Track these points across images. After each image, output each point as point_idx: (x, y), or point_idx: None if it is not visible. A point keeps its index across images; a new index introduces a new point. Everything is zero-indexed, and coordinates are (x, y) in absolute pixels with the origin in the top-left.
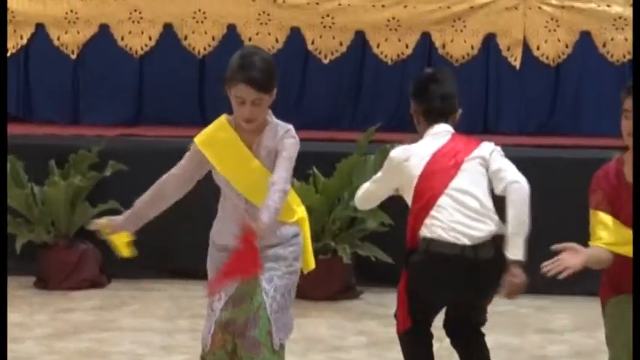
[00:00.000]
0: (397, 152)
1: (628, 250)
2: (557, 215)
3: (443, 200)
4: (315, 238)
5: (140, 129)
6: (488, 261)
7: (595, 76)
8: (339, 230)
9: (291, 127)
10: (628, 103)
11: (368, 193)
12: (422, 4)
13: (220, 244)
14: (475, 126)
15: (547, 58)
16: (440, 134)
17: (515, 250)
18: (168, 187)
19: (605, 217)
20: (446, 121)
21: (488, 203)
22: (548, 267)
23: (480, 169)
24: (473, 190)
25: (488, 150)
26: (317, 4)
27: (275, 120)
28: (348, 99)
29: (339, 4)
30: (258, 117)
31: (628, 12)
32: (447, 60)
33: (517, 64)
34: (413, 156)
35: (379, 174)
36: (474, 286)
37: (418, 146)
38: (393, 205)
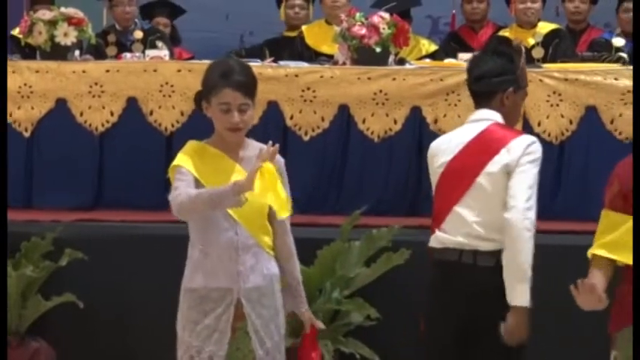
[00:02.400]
0: (433, 145)
1: (629, 258)
2: (565, 306)
3: (457, 209)
4: (294, 333)
5: (100, 213)
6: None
7: (602, 155)
8: None
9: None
10: None
11: None
12: (412, 76)
13: (213, 287)
14: None
15: (549, 135)
16: (478, 122)
17: (510, 295)
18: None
19: (617, 218)
20: (487, 105)
21: (498, 215)
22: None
23: (501, 178)
24: (489, 200)
25: (518, 154)
26: (296, 76)
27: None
28: (331, 179)
29: (321, 77)
30: (246, 125)
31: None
32: (440, 136)
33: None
34: (441, 151)
35: None
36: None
37: (452, 136)
38: (379, 296)
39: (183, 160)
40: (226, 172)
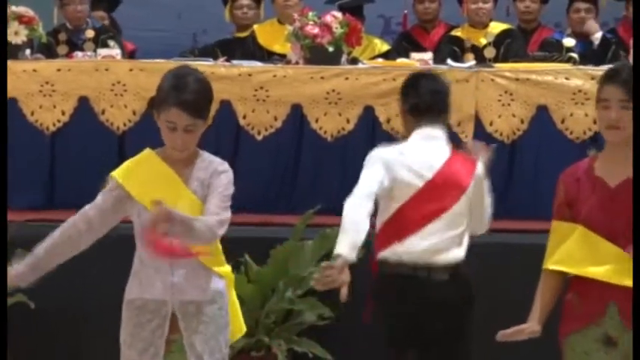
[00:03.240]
0: (386, 156)
1: (593, 272)
2: (513, 305)
3: (434, 224)
4: (247, 333)
5: (51, 213)
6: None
7: (553, 154)
8: (273, 324)
9: (226, 163)
10: (607, 92)
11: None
12: (364, 75)
13: (149, 299)
14: None
15: (501, 134)
16: (436, 140)
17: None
18: (79, 230)
19: (567, 228)
20: (437, 121)
21: (461, 232)
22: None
23: (469, 200)
24: (463, 218)
25: (479, 177)
26: (249, 75)
27: (206, 153)
28: (284, 179)
29: (274, 76)
30: (190, 145)
31: (588, 85)
32: (392, 135)
33: (468, 140)
34: (406, 165)
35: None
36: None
37: (411, 151)
38: (333, 296)
39: (122, 170)
40: (169, 191)
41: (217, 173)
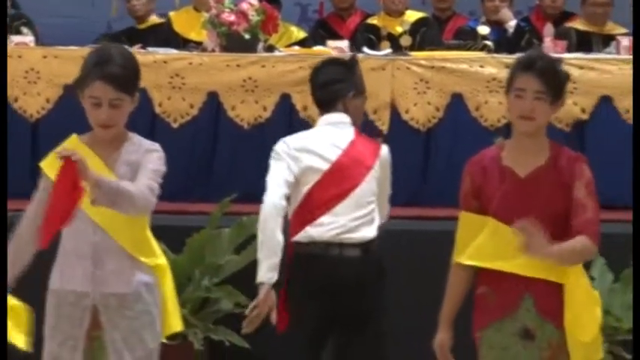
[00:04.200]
0: (291, 141)
1: (506, 266)
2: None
3: (342, 204)
4: None
5: None
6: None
7: (468, 142)
8: (189, 313)
9: (158, 145)
10: (523, 81)
11: None
12: (281, 63)
13: (69, 290)
14: None
15: (417, 122)
16: (340, 125)
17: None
18: (25, 235)
19: (475, 220)
20: (338, 108)
21: (369, 212)
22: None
23: (374, 182)
24: (371, 197)
25: (383, 159)
26: (165, 62)
27: (137, 136)
28: (200, 167)
29: (190, 63)
30: (117, 122)
31: (502, 74)
32: (309, 123)
33: (384, 128)
34: (311, 150)
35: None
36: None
37: (316, 136)
38: (249, 284)
39: (48, 160)
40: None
41: (148, 152)
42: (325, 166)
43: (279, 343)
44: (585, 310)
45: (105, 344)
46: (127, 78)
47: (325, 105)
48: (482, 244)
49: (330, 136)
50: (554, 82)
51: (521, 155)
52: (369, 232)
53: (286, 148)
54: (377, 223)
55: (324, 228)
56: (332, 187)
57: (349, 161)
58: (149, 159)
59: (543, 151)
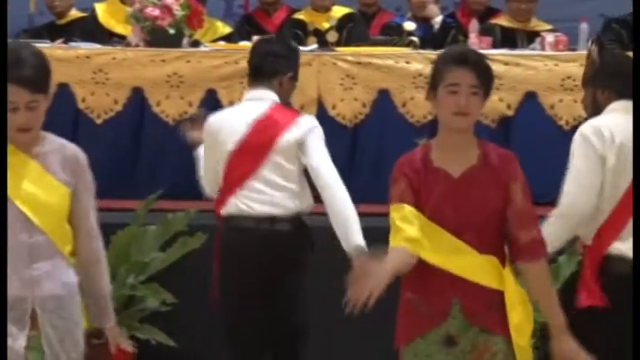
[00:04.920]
0: (211, 121)
1: (439, 260)
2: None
3: (252, 182)
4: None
5: None
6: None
7: (395, 138)
8: (114, 311)
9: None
10: (457, 76)
11: None
12: (207, 58)
13: (9, 295)
14: None
15: (343, 118)
16: (259, 101)
17: (352, 238)
18: None
19: (412, 212)
20: (267, 85)
21: (295, 184)
22: (349, 302)
23: (294, 151)
24: (283, 172)
25: (304, 131)
26: (88, 57)
27: (51, 135)
28: (125, 163)
29: (114, 58)
30: (35, 123)
31: (428, 70)
32: None
33: None
34: (224, 128)
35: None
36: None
37: (232, 113)
38: (175, 281)
39: None
40: (17, 168)
41: (83, 168)
42: (233, 144)
43: (205, 341)
44: (520, 313)
45: (41, 346)
46: (41, 79)
47: (260, 76)
48: (420, 237)
49: (246, 113)
50: (487, 77)
51: (451, 154)
52: (297, 204)
53: (208, 129)
54: (308, 197)
55: (239, 202)
56: (242, 163)
57: (257, 138)
58: (89, 179)
59: (473, 149)
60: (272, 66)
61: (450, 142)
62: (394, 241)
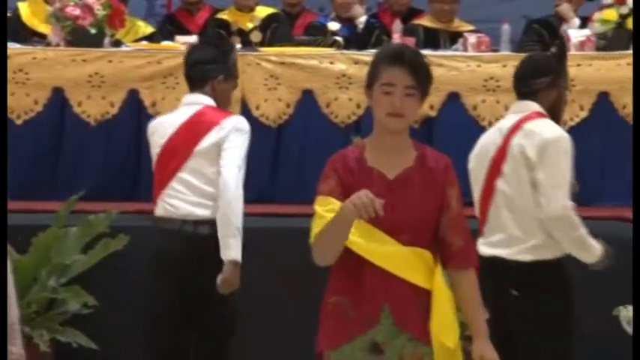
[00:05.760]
0: (149, 125)
1: (364, 250)
2: (281, 288)
3: (174, 184)
4: None
5: None
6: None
7: (318, 138)
8: (35, 314)
9: None
10: (392, 76)
11: None
12: (129, 58)
13: None
14: None
15: (267, 118)
16: (193, 105)
17: (225, 251)
18: None
19: (339, 207)
20: (200, 90)
21: (217, 188)
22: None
23: (215, 154)
24: (203, 175)
25: (223, 134)
26: (7, 57)
27: None
28: (46, 164)
29: (34, 58)
30: None
31: (352, 70)
32: None
33: None
34: (156, 132)
35: None
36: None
37: (166, 118)
38: (97, 283)
39: None
40: None
41: None
42: (160, 146)
43: (128, 344)
44: (449, 314)
45: None
46: None
47: (192, 84)
48: (352, 233)
49: (177, 116)
50: (424, 77)
51: (386, 155)
52: (204, 209)
53: (149, 130)
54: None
55: (170, 205)
56: (167, 164)
57: (180, 140)
58: None
59: (409, 151)
60: (201, 74)
61: (385, 143)
62: (317, 227)
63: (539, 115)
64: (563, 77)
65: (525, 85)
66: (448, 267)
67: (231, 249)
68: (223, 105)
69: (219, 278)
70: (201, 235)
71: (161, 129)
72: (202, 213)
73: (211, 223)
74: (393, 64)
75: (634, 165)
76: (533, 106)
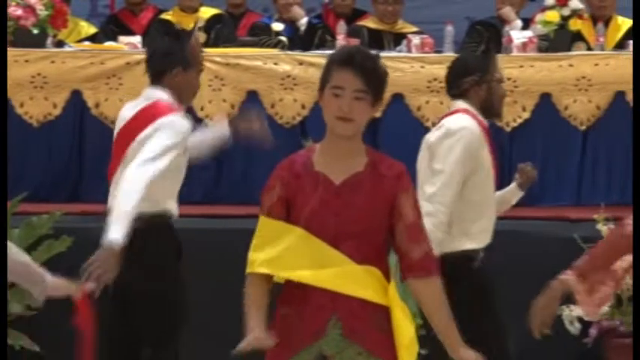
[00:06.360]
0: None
1: (309, 277)
2: (227, 290)
3: (116, 179)
4: None
5: None
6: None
7: None
8: None
9: None
10: (341, 79)
11: None
12: (71, 59)
13: None
14: None
15: (212, 119)
16: (145, 100)
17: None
18: None
19: (278, 227)
20: (159, 83)
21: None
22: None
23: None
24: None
25: (151, 130)
26: None
27: None
28: None
29: None
30: None
31: (296, 71)
32: (102, 120)
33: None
34: (117, 121)
35: None
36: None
37: (125, 109)
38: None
39: None
40: None
41: None
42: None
43: (70, 345)
44: (409, 330)
45: None
46: None
47: (150, 78)
48: (285, 253)
49: (130, 110)
50: (375, 80)
51: (335, 160)
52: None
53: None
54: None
55: (110, 197)
56: (115, 159)
57: (123, 134)
58: None
59: (360, 156)
60: (157, 67)
61: (335, 147)
62: (251, 266)
63: (463, 111)
64: (491, 72)
65: (454, 86)
66: (408, 277)
67: (112, 231)
68: (186, 97)
69: (91, 259)
70: (134, 233)
71: (118, 120)
72: (156, 207)
73: (145, 221)
74: (344, 66)
75: (634, 165)
76: (460, 104)
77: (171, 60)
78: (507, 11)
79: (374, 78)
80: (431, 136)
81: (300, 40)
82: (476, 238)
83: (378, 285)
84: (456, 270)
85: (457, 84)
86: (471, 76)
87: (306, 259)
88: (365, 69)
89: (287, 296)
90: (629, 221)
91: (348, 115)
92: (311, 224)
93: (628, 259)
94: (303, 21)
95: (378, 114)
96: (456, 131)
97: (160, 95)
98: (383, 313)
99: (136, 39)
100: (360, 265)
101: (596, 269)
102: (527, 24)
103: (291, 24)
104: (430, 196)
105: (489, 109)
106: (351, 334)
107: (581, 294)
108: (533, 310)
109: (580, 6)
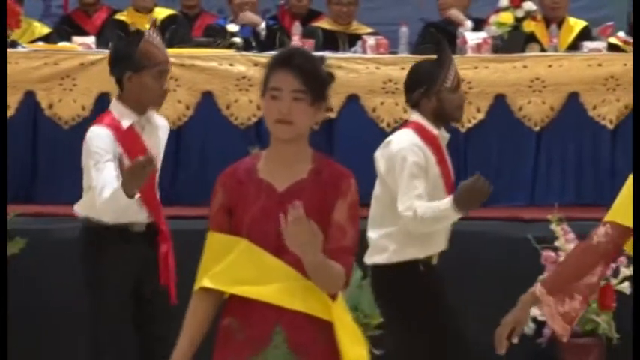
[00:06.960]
0: None
1: (258, 293)
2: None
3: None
4: None
5: None
6: None
7: (218, 140)
8: None
9: None
10: (278, 79)
11: None
12: (25, 59)
13: None
14: None
15: (167, 119)
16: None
17: None
18: None
19: (223, 240)
20: (120, 91)
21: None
22: None
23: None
24: (87, 177)
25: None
26: None
27: None
28: None
29: None
30: None
31: (251, 72)
32: (56, 122)
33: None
34: None
35: None
36: None
37: None
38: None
39: None
40: None
41: None
42: None
43: (26, 347)
44: (357, 346)
45: None
46: None
47: (119, 87)
48: (230, 266)
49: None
50: (314, 80)
51: (279, 167)
52: (84, 211)
53: None
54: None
55: None
56: None
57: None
58: None
59: (304, 163)
60: (114, 74)
61: (279, 153)
62: (198, 282)
63: (412, 125)
64: (441, 82)
65: (407, 98)
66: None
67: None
68: (150, 100)
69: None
70: (77, 239)
71: None
72: (84, 214)
73: (84, 226)
74: (281, 67)
75: (634, 165)
76: (413, 116)
77: (120, 65)
78: (455, 13)
79: (312, 78)
80: (379, 154)
81: (260, 45)
82: (426, 246)
83: (322, 298)
84: (403, 277)
85: (409, 96)
86: (419, 89)
87: (250, 272)
88: (302, 69)
89: (231, 306)
90: (597, 232)
91: (287, 118)
92: (252, 233)
93: (598, 273)
94: (263, 25)
95: (333, 115)
96: (395, 154)
97: (113, 104)
98: (327, 326)
99: (90, 39)
100: (305, 281)
101: (565, 283)
102: (481, 25)
103: (249, 26)
104: (405, 209)
105: (443, 117)
106: (297, 347)
107: (552, 309)
108: (504, 324)
109: (533, 8)
